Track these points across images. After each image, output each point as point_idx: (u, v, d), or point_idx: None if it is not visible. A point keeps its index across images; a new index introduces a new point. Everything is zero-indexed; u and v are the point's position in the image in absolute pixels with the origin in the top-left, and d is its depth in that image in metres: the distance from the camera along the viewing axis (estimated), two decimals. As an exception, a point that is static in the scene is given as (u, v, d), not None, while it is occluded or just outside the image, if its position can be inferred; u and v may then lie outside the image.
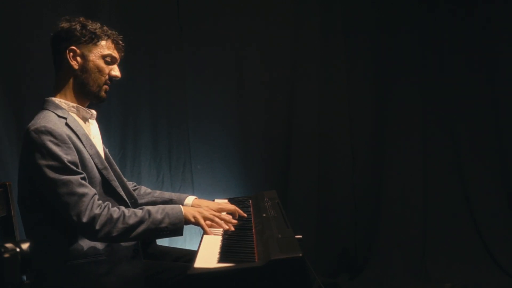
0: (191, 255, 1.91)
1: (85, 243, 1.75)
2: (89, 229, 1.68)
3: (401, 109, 3.84)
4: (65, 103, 1.83)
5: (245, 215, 2.09)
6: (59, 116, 1.78)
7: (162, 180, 3.18)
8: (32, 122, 1.73)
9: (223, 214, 1.94)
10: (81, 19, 1.88)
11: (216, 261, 1.55)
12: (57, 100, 1.83)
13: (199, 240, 1.79)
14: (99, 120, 2.89)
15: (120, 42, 1.92)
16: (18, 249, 1.64)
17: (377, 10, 3.79)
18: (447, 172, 3.92)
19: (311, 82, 3.62)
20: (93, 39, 1.84)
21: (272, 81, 3.53)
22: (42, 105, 1.83)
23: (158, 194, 2.17)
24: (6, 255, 1.60)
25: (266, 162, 3.50)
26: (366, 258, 3.69)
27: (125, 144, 3.08)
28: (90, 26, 1.85)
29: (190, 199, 2.14)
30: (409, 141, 3.85)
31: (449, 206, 3.88)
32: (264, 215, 1.99)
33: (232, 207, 2.08)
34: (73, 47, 1.83)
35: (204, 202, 2.14)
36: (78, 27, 1.83)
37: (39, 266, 1.72)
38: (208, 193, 3.27)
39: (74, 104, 1.85)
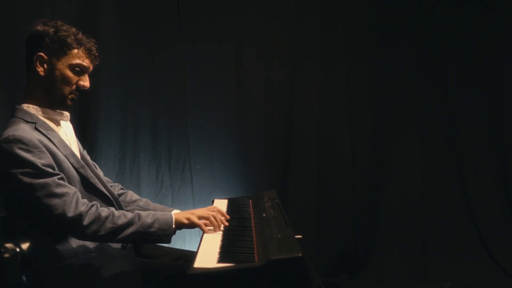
0: (190, 256, 1.91)
1: (74, 243, 1.75)
2: (76, 226, 1.67)
3: (401, 109, 3.84)
4: (33, 108, 1.80)
5: (227, 216, 2.03)
6: (27, 122, 1.75)
7: (161, 180, 3.18)
8: (3, 132, 1.71)
9: (216, 214, 1.91)
10: (58, 23, 1.82)
11: (216, 261, 1.55)
12: (25, 106, 1.80)
13: (199, 240, 1.80)
14: (98, 120, 2.93)
15: (94, 50, 1.86)
16: (18, 249, 1.64)
17: (377, 10, 3.79)
18: (447, 172, 3.92)
19: (311, 82, 3.62)
20: (63, 47, 1.79)
21: (272, 81, 3.53)
22: (11, 113, 1.81)
23: (143, 203, 2.14)
24: (6, 255, 1.60)
25: (266, 162, 3.49)
26: (366, 258, 3.69)
27: (124, 144, 3.07)
28: (62, 33, 1.78)
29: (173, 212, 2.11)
30: (409, 141, 3.85)
31: (449, 206, 3.88)
32: (264, 215, 1.99)
33: (214, 207, 2.02)
34: (41, 54, 1.78)
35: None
36: (50, 32, 1.78)
37: (33, 270, 1.72)
38: (207, 193, 3.27)
39: (42, 108, 1.82)
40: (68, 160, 1.79)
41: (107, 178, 2.16)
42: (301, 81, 3.59)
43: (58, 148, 1.77)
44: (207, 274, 1.47)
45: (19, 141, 1.66)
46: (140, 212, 1.78)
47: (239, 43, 3.43)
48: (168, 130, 3.22)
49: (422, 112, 3.87)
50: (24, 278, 1.71)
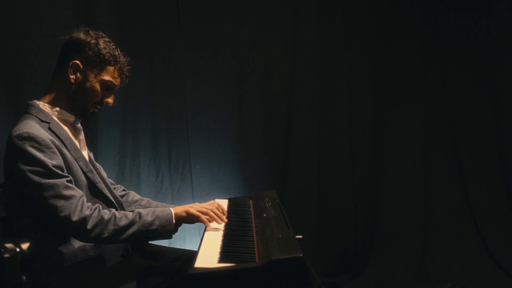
0: (190, 255, 1.92)
1: (75, 245, 1.75)
2: (80, 230, 1.67)
3: (401, 109, 3.84)
4: (48, 107, 1.82)
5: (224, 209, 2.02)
6: (42, 121, 1.76)
7: (161, 180, 3.18)
8: (15, 127, 1.72)
9: (215, 209, 1.93)
10: (100, 34, 1.86)
11: (217, 261, 1.56)
12: (40, 104, 1.82)
13: (199, 240, 1.80)
14: (98, 120, 2.92)
15: (126, 72, 1.90)
16: (18, 249, 1.64)
17: (377, 13, 3.79)
18: (447, 172, 3.92)
19: (311, 82, 3.62)
20: (100, 62, 1.82)
21: (272, 81, 3.53)
22: (25, 109, 1.82)
23: (145, 203, 2.16)
24: (6, 255, 1.60)
25: (266, 162, 3.49)
26: (366, 258, 3.69)
27: (124, 144, 3.07)
28: (102, 47, 1.82)
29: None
30: (409, 141, 3.85)
31: (449, 206, 3.89)
32: (264, 215, 1.99)
33: (214, 202, 2.02)
34: (77, 62, 1.81)
35: None
36: (92, 44, 1.81)
37: (32, 270, 1.72)
38: (207, 193, 3.27)
39: (58, 108, 1.83)
40: (78, 163, 1.80)
41: (110, 180, 2.17)
42: (301, 82, 3.59)
43: (68, 151, 1.78)
44: (208, 274, 1.47)
45: (32, 139, 1.66)
46: (140, 210, 1.79)
47: (239, 44, 3.43)
48: (168, 130, 3.21)
49: (422, 113, 3.87)
50: (24, 278, 1.71)
